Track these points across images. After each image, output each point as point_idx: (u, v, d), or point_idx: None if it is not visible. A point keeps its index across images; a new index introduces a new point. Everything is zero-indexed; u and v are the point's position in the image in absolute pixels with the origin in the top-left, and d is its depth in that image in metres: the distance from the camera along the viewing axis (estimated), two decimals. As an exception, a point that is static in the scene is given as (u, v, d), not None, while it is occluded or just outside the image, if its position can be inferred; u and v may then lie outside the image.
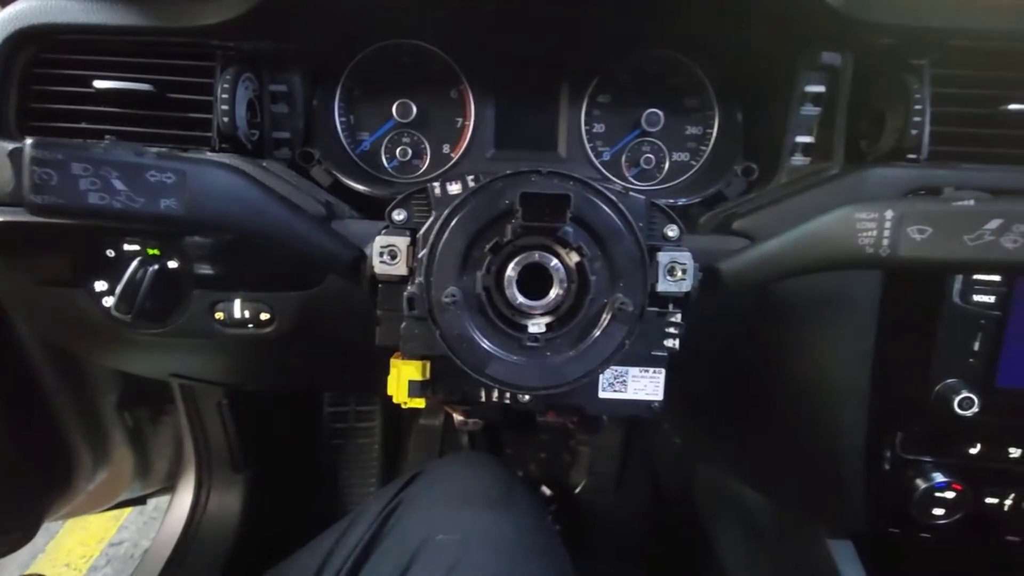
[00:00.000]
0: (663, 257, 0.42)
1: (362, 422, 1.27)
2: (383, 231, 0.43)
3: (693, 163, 0.69)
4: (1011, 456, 0.59)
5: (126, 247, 0.55)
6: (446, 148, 0.69)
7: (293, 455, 1.24)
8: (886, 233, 0.37)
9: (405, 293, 0.40)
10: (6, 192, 0.34)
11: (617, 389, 0.44)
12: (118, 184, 0.33)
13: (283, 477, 1.19)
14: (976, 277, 0.53)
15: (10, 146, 0.52)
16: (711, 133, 0.68)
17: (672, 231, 0.44)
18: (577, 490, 1.19)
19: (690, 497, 1.06)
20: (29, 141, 0.33)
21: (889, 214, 0.37)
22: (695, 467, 1.08)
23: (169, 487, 1.13)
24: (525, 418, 1.15)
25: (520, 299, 0.39)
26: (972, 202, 0.35)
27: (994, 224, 0.34)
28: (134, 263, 0.53)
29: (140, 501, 1.13)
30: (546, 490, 1.18)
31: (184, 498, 1.11)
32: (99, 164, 0.33)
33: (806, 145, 0.61)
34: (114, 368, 0.86)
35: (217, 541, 1.07)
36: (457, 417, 0.85)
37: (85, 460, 0.87)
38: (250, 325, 0.59)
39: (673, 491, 1.13)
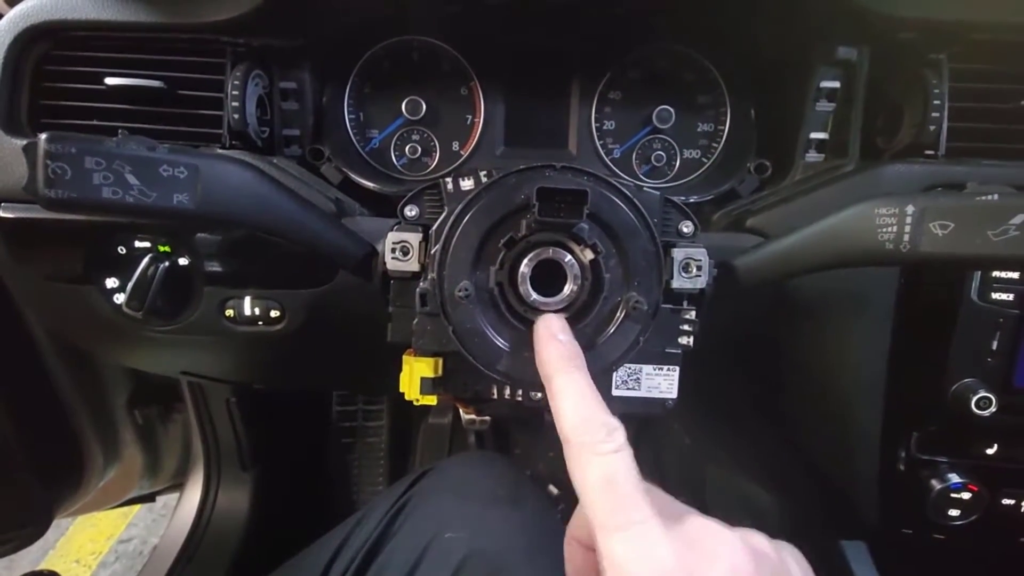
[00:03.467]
0: (678, 253, 0.42)
1: (370, 421, 1.27)
2: (395, 227, 0.43)
3: (705, 160, 0.68)
4: (1030, 457, 0.59)
5: (137, 244, 0.55)
6: (456, 145, 0.68)
7: (301, 454, 1.24)
8: (907, 228, 0.36)
9: (417, 289, 0.40)
10: (20, 187, 0.34)
11: (631, 387, 0.44)
12: (131, 178, 0.33)
13: (291, 476, 1.19)
14: (995, 274, 0.53)
15: (23, 142, 0.52)
16: (723, 130, 0.68)
17: (687, 227, 0.43)
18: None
19: (700, 498, 1.06)
20: (43, 135, 0.33)
21: (910, 209, 0.36)
22: (705, 467, 1.07)
23: (178, 485, 1.13)
24: (533, 417, 1.14)
25: (533, 295, 0.39)
26: (996, 196, 0.35)
27: (1019, 219, 0.34)
28: (145, 260, 0.53)
29: (149, 498, 1.14)
30: (554, 489, 1.18)
31: (192, 496, 1.11)
32: (112, 158, 0.33)
33: (821, 141, 0.61)
34: (125, 366, 0.87)
35: (225, 539, 1.07)
36: (465, 416, 0.85)
37: (96, 457, 0.87)
38: (260, 323, 0.59)
39: (683, 492, 1.12)
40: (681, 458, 1.14)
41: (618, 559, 0.27)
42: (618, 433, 0.30)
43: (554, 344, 0.35)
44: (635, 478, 0.29)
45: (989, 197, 0.35)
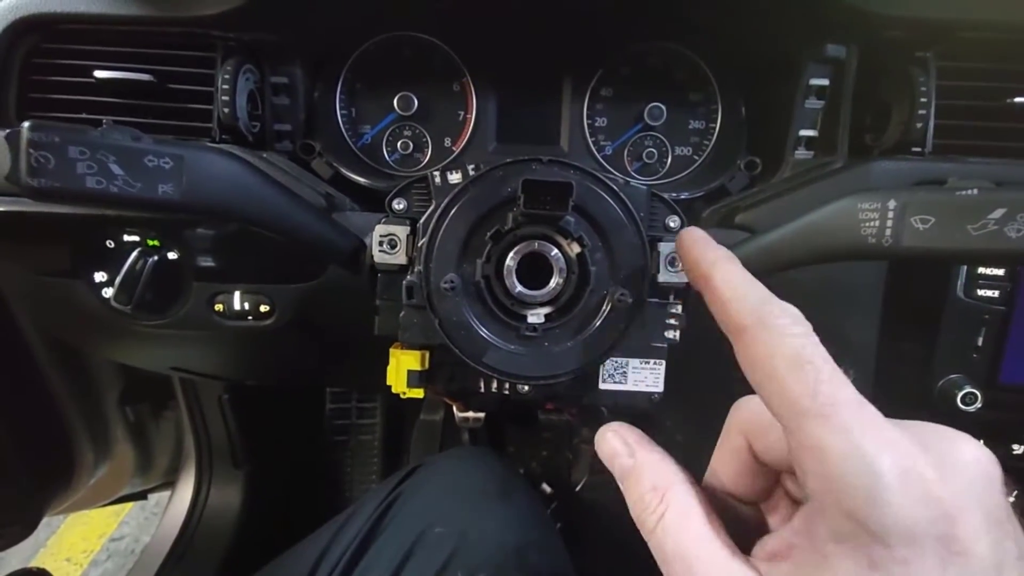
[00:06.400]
0: (664, 248, 0.42)
1: (363, 419, 1.27)
2: (383, 220, 0.43)
3: (696, 157, 0.69)
4: (1014, 453, 0.59)
5: (126, 238, 0.55)
6: (447, 141, 0.68)
7: (294, 451, 1.24)
8: (889, 223, 0.37)
9: (404, 282, 0.40)
10: (2, 176, 0.34)
11: (617, 380, 0.44)
12: (116, 168, 0.33)
13: (283, 473, 1.19)
14: (980, 271, 0.53)
15: (9, 134, 0.52)
16: (714, 127, 0.68)
17: (673, 222, 0.43)
18: (578, 488, 1.19)
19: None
20: (26, 124, 0.33)
21: (892, 204, 0.37)
22: (698, 464, 1.07)
23: (170, 482, 1.13)
24: (527, 415, 1.14)
25: (519, 288, 0.39)
26: (976, 191, 0.35)
27: (998, 213, 0.34)
28: (134, 254, 0.53)
29: (141, 496, 1.13)
30: (547, 487, 1.18)
31: (184, 493, 1.11)
32: (96, 148, 0.33)
33: (810, 139, 0.61)
34: (115, 362, 0.87)
35: (217, 536, 1.07)
36: (458, 413, 0.85)
37: (87, 455, 0.87)
38: (249, 317, 0.58)
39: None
40: (674, 455, 1.14)
41: (831, 446, 0.21)
42: (804, 319, 0.25)
43: (706, 242, 0.31)
44: (833, 362, 0.24)
45: (969, 192, 0.35)
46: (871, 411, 0.22)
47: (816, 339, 0.24)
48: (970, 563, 0.20)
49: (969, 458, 0.22)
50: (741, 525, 0.28)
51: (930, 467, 0.21)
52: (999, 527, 0.21)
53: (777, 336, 0.24)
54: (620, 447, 0.30)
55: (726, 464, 0.30)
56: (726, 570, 0.24)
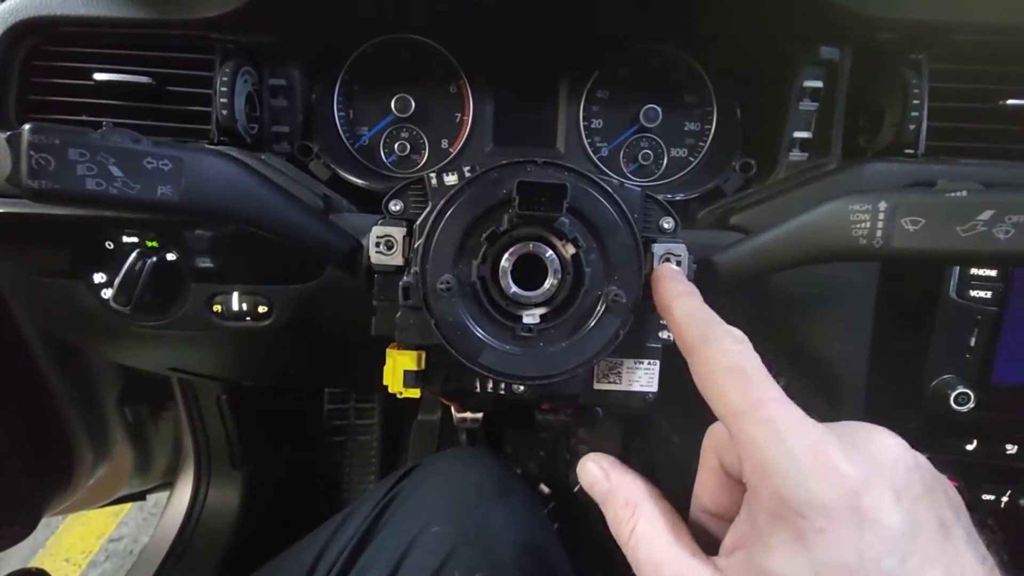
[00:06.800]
0: (658, 248, 0.42)
1: (361, 419, 1.27)
2: (380, 221, 0.43)
3: (691, 159, 0.69)
4: (1007, 452, 0.59)
5: (125, 239, 0.55)
6: (445, 143, 0.69)
7: (292, 452, 1.24)
8: (879, 224, 0.37)
9: (400, 283, 0.40)
10: (3, 178, 0.34)
11: (612, 380, 0.44)
12: (115, 170, 0.33)
13: (282, 473, 1.19)
14: (973, 272, 0.53)
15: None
16: (709, 129, 0.68)
17: (667, 223, 0.44)
18: (575, 488, 1.19)
19: (689, 494, 1.06)
20: (27, 126, 0.34)
21: (883, 205, 0.37)
22: (693, 464, 1.07)
23: (169, 483, 1.13)
24: (524, 415, 1.15)
25: (514, 289, 0.39)
26: (965, 193, 0.35)
27: (986, 215, 0.34)
28: (133, 255, 0.54)
29: (140, 497, 1.13)
30: (544, 488, 1.18)
31: (183, 494, 1.11)
32: (96, 150, 0.33)
33: (804, 140, 0.61)
34: (114, 362, 0.87)
35: (215, 537, 1.07)
36: (456, 414, 0.85)
37: (86, 455, 0.87)
38: (248, 318, 0.59)
39: (672, 489, 1.12)
40: (670, 456, 1.15)
41: (758, 437, 0.25)
42: (744, 338, 0.30)
43: (671, 278, 0.37)
44: (765, 370, 0.27)
45: (958, 193, 0.35)
46: (794, 408, 0.26)
47: (752, 353, 0.28)
48: (882, 531, 0.23)
49: (879, 444, 0.25)
50: (718, 540, 0.30)
51: (839, 450, 0.24)
52: (913, 501, 0.24)
53: (718, 353, 0.29)
54: (598, 473, 0.34)
55: (706, 485, 0.33)
56: (690, 569, 0.27)
